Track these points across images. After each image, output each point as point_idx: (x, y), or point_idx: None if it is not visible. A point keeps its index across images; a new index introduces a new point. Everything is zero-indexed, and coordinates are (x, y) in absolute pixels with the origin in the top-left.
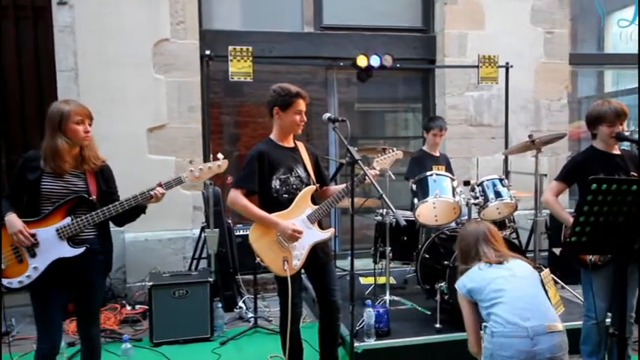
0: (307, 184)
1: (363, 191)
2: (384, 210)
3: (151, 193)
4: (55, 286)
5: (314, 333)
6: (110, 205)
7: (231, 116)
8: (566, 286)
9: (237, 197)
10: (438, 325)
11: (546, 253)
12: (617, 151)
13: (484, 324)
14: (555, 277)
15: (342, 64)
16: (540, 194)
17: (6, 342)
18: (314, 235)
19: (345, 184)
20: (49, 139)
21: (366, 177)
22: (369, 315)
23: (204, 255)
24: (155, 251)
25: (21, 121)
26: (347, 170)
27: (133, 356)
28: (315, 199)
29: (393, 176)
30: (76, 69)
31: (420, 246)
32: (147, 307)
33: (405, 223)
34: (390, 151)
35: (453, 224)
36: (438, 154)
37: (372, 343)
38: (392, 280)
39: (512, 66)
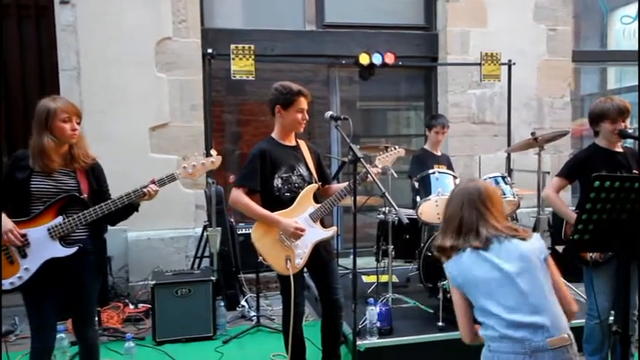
0: (309, 183)
1: (365, 189)
2: (387, 208)
3: (144, 190)
4: (48, 286)
5: (316, 331)
6: (102, 204)
7: (233, 115)
8: (570, 284)
9: (239, 196)
10: (440, 324)
11: (549, 251)
12: (619, 149)
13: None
14: None
15: (344, 62)
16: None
17: (10, 340)
18: (316, 233)
19: (347, 183)
20: (36, 137)
21: (369, 175)
22: (371, 313)
23: (206, 254)
24: (157, 250)
25: (23, 120)
26: (349, 168)
27: (135, 355)
28: (317, 198)
29: (395, 174)
30: (79, 68)
31: (422, 244)
32: (149, 305)
33: (407, 220)
34: (393, 149)
35: None
36: (439, 154)
37: (374, 341)
38: (394, 279)
39: (514, 63)
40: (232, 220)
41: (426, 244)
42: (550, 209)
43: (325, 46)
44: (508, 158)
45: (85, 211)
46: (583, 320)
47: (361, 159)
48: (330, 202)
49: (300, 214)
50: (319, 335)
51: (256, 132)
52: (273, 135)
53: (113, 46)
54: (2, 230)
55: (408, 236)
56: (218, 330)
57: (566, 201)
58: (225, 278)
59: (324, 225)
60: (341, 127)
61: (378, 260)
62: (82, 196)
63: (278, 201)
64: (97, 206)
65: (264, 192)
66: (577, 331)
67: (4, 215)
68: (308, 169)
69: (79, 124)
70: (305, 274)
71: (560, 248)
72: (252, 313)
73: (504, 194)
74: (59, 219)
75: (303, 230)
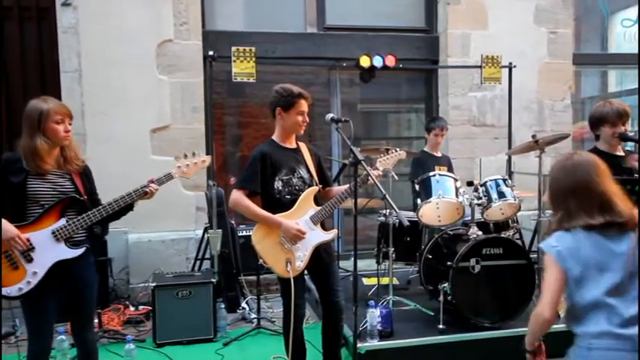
0: (310, 185)
1: (366, 192)
2: (387, 210)
3: (145, 190)
4: (47, 288)
5: (317, 334)
6: (105, 204)
7: (234, 117)
8: None
9: (239, 198)
10: (441, 326)
11: None
12: (620, 152)
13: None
14: None
15: (344, 64)
16: (544, 195)
17: (11, 342)
18: (317, 236)
19: (347, 185)
20: (27, 138)
21: (369, 177)
22: (372, 316)
23: (207, 256)
24: (158, 252)
25: None
26: (350, 171)
27: (136, 357)
28: (317, 200)
29: (396, 177)
30: (80, 70)
31: (423, 246)
32: (150, 307)
33: (408, 223)
34: (393, 151)
35: (457, 225)
36: (439, 155)
37: (375, 343)
38: (395, 281)
39: (515, 66)
40: (233, 222)
41: (427, 247)
42: (551, 212)
43: (326, 48)
44: (509, 161)
45: (90, 212)
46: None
47: (362, 161)
48: (331, 204)
49: (301, 216)
50: (320, 338)
51: (257, 134)
52: (274, 137)
53: (114, 47)
54: (7, 237)
55: (408, 239)
56: (218, 332)
57: None
58: (226, 280)
59: (324, 227)
60: (342, 130)
61: (378, 263)
62: (81, 198)
63: (278, 203)
64: (100, 207)
65: (265, 194)
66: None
67: (5, 221)
68: (309, 171)
69: (70, 125)
70: (305, 277)
71: None
72: (253, 316)
73: (505, 197)
74: (62, 221)
75: (304, 233)
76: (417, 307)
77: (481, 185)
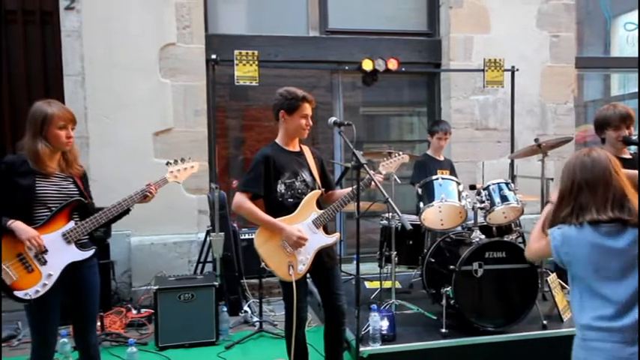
0: (313, 189)
1: (368, 195)
2: (390, 214)
3: (146, 193)
4: (53, 292)
5: (319, 337)
6: (110, 206)
7: (237, 120)
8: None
9: (242, 201)
10: (443, 330)
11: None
12: (627, 155)
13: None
14: (562, 282)
15: (347, 67)
16: (547, 198)
17: (12, 345)
18: (319, 239)
19: (350, 189)
20: (30, 141)
21: (372, 181)
22: (374, 319)
23: (209, 259)
24: (160, 255)
25: None
26: (352, 174)
27: None
28: (320, 204)
29: (398, 180)
30: (83, 73)
31: (425, 250)
32: (152, 310)
33: (410, 227)
34: (396, 155)
35: (459, 228)
36: (442, 159)
37: (377, 347)
38: (397, 285)
39: (517, 69)
40: (235, 225)
41: (430, 250)
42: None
43: (328, 52)
44: (511, 164)
45: (96, 215)
46: None
47: (364, 165)
48: (334, 208)
49: (304, 220)
50: (322, 341)
51: (259, 137)
52: (277, 140)
53: (117, 51)
54: (27, 236)
55: (411, 242)
56: (221, 335)
57: None
58: (228, 283)
59: (326, 231)
60: (344, 133)
61: (381, 266)
62: (86, 201)
63: (281, 207)
64: (105, 209)
65: (268, 197)
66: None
67: (19, 222)
68: (311, 175)
69: (73, 130)
70: (308, 280)
71: None
72: (255, 319)
73: (508, 200)
74: (71, 223)
75: (305, 240)
76: (420, 310)
77: (484, 189)
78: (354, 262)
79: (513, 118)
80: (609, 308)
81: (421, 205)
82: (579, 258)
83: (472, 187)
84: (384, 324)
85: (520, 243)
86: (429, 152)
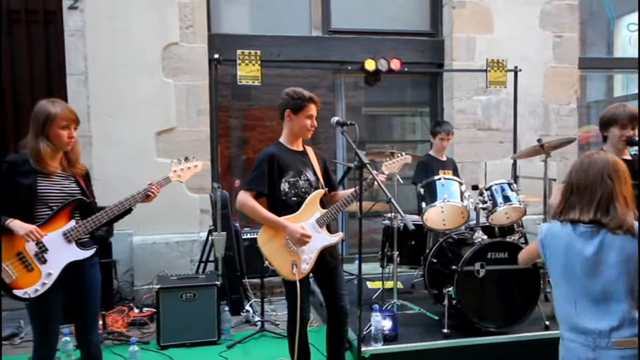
0: (316, 188)
1: (370, 195)
2: (392, 214)
3: (148, 193)
4: (54, 291)
5: (321, 337)
6: (112, 205)
7: (239, 120)
8: None
9: (246, 199)
10: (445, 330)
11: None
12: (627, 156)
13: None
14: None
15: (349, 67)
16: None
17: (15, 343)
18: (323, 239)
19: (353, 189)
20: (33, 140)
21: (375, 181)
22: (376, 319)
23: (211, 258)
24: (163, 254)
25: None
26: (355, 174)
27: (140, 359)
28: (324, 204)
29: (401, 180)
30: (86, 72)
31: (427, 250)
32: (154, 309)
33: (413, 227)
34: (399, 155)
35: (462, 228)
36: (444, 159)
37: (379, 347)
38: (399, 285)
39: (520, 70)
40: (237, 224)
41: (432, 251)
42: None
43: (331, 51)
44: (514, 165)
45: (98, 214)
46: None
47: (367, 165)
48: (337, 207)
49: (307, 219)
50: (324, 341)
51: (262, 137)
52: (281, 140)
53: (120, 50)
54: (24, 231)
55: (413, 242)
56: (222, 335)
57: None
58: (230, 283)
59: (330, 230)
60: (347, 133)
61: (383, 266)
62: (88, 200)
63: (284, 205)
64: (107, 208)
65: (271, 196)
66: None
67: (17, 220)
68: (315, 174)
69: (76, 130)
70: (310, 279)
71: None
72: (257, 318)
73: (510, 201)
74: (72, 222)
75: (309, 237)
76: (422, 311)
77: (486, 189)
78: (356, 261)
79: (516, 119)
80: (574, 308)
81: (423, 205)
82: (555, 253)
83: (474, 188)
84: (386, 324)
85: (522, 244)
86: (431, 153)
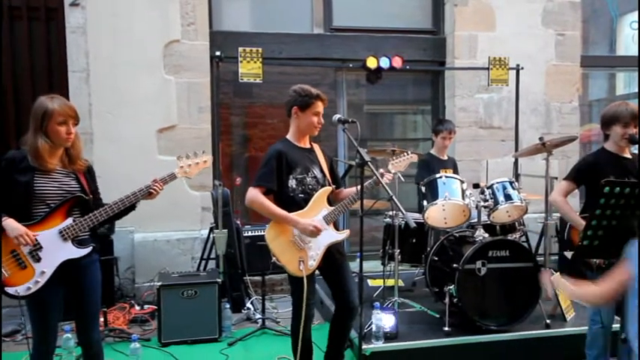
0: (323, 185)
1: (372, 193)
2: (393, 212)
3: (150, 190)
4: (53, 288)
5: (321, 335)
6: (111, 203)
7: (241, 117)
8: None
9: (256, 195)
10: (446, 328)
11: (556, 257)
12: (627, 155)
13: None
14: (565, 282)
15: (351, 65)
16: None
17: (17, 340)
18: (330, 235)
19: (358, 186)
20: (32, 136)
21: (378, 180)
22: (377, 317)
23: (212, 256)
24: (164, 252)
25: None
26: (356, 172)
27: (141, 356)
28: (330, 201)
29: (402, 178)
30: (88, 69)
31: (428, 248)
32: (155, 307)
33: (415, 225)
34: (406, 154)
35: (463, 227)
36: (445, 158)
37: (380, 345)
38: (400, 283)
39: (522, 68)
40: (238, 222)
41: (433, 249)
42: (558, 215)
43: (333, 49)
44: (516, 163)
45: (96, 212)
46: (586, 327)
47: (369, 162)
48: (344, 204)
49: (315, 215)
50: (325, 339)
51: (263, 135)
52: (288, 137)
53: (122, 47)
54: (16, 233)
55: (414, 240)
56: (223, 332)
57: (574, 207)
58: (231, 280)
59: (336, 227)
60: (348, 131)
61: (384, 264)
62: (87, 198)
63: (292, 201)
64: (106, 206)
65: (279, 192)
66: (584, 337)
67: (11, 219)
68: (322, 171)
69: (75, 125)
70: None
71: (569, 254)
72: (258, 316)
73: (512, 199)
74: (69, 220)
75: (320, 230)
76: (423, 309)
77: (487, 187)
78: (358, 259)
79: (518, 117)
80: None
81: (424, 203)
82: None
83: (476, 186)
84: (387, 322)
85: (524, 242)
86: (432, 151)
